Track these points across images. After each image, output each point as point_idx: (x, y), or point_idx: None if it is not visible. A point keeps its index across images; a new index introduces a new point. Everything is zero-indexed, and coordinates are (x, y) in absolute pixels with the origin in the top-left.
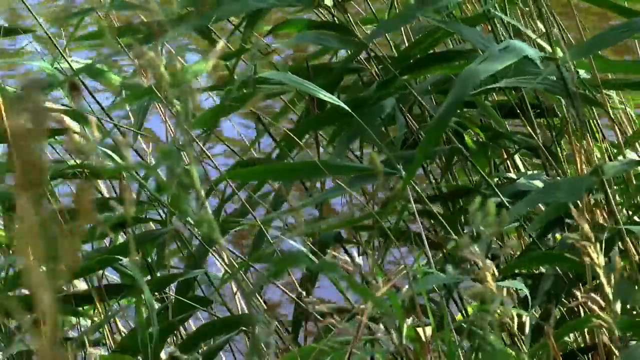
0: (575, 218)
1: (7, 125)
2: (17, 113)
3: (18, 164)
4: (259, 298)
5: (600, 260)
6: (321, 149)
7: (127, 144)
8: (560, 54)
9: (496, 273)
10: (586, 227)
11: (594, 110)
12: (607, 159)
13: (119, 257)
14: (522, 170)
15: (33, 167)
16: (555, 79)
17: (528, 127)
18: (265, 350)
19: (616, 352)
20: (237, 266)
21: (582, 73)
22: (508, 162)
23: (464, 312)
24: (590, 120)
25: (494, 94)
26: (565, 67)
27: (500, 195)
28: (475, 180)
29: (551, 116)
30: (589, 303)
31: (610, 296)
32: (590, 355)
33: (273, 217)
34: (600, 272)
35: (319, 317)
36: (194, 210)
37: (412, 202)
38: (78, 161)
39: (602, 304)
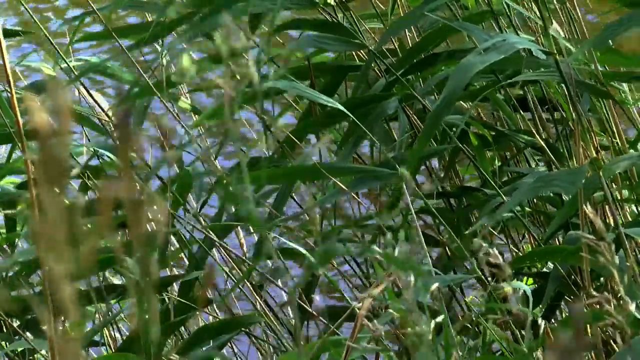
0: (590, 218)
1: (34, 123)
2: (42, 111)
3: (41, 159)
4: (259, 299)
5: (615, 260)
6: (323, 149)
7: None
8: (564, 45)
9: (510, 273)
10: (601, 226)
11: (605, 106)
12: (616, 154)
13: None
14: (532, 165)
15: (55, 163)
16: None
17: (531, 124)
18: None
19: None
20: (235, 266)
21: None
22: (517, 157)
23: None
24: (602, 115)
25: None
26: (577, 61)
27: (502, 195)
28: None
29: (558, 111)
30: (603, 302)
31: (624, 295)
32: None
33: (276, 223)
34: (615, 272)
35: (321, 317)
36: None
37: (410, 202)
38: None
39: (616, 302)
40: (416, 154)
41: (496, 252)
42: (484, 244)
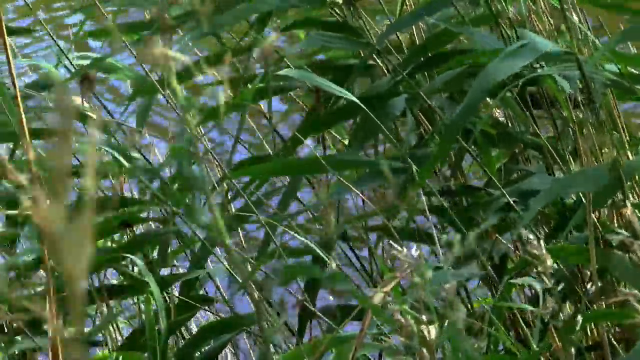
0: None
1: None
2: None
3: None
4: (263, 300)
5: None
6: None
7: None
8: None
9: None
10: (636, 224)
11: (617, 105)
12: (630, 154)
13: (125, 255)
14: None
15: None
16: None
17: (549, 123)
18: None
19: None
20: (240, 265)
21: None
22: (524, 154)
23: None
24: (614, 115)
25: None
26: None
27: (507, 195)
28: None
29: (557, 110)
30: (632, 301)
31: None
32: (593, 355)
33: (282, 218)
34: None
35: (324, 317)
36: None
37: (423, 197)
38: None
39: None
40: (437, 157)
41: (542, 243)
42: (531, 236)
